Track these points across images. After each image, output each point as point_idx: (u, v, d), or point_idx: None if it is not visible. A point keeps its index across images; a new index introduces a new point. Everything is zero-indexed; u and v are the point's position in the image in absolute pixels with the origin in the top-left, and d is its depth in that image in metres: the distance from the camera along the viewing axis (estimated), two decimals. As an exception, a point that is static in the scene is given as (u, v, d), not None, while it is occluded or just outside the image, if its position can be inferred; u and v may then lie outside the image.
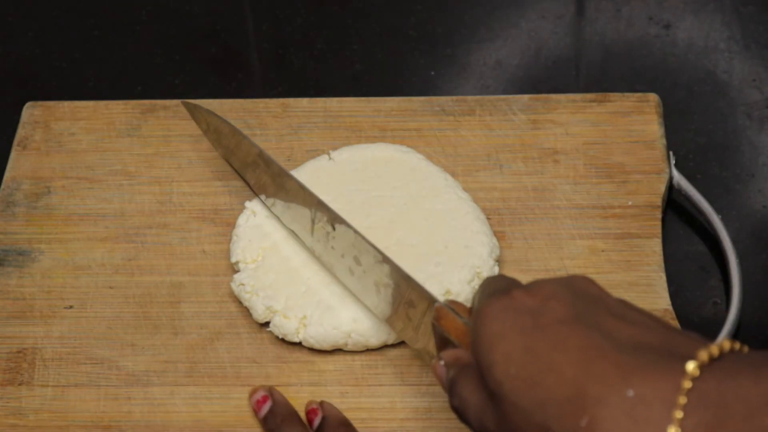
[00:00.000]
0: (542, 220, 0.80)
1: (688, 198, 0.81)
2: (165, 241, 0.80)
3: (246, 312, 0.76)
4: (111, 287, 0.78)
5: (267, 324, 0.75)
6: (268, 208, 0.79)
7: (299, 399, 0.72)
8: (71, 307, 0.77)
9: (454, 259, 0.75)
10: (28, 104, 0.88)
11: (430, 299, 0.67)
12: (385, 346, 0.74)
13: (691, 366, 0.51)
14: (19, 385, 0.74)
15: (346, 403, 0.72)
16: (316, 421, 0.71)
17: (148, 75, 0.93)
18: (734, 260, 0.77)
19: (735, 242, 0.78)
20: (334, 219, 0.74)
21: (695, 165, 0.85)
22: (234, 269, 0.78)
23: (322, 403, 0.72)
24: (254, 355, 0.75)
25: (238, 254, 0.77)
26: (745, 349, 0.54)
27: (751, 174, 0.84)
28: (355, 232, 0.72)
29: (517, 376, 0.55)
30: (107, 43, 0.96)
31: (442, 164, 0.82)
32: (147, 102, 0.88)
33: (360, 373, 0.73)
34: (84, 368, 0.74)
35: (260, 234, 0.78)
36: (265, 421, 0.71)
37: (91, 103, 0.88)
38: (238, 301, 0.77)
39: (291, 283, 0.76)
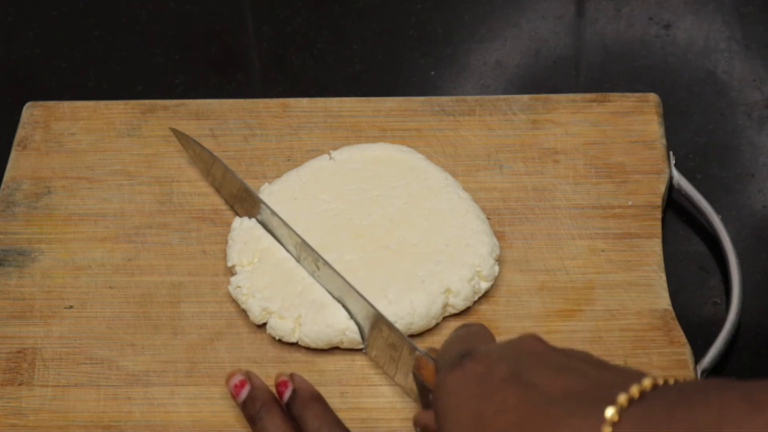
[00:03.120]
0: (542, 220, 0.80)
1: (688, 198, 0.81)
2: (165, 241, 0.80)
3: (245, 312, 0.76)
4: (111, 287, 0.78)
5: (265, 325, 0.75)
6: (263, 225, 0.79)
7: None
8: (71, 307, 0.77)
9: (455, 258, 0.75)
10: (28, 104, 0.88)
11: (411, 348, 0.69)
12: (385, 346, 0.74)
13: (610, 412, 0.53)
14: (19, 385, 0.74)
15: (346, 403, 0.72)
16: (287, 395, 0.70)
17: (148, 75, 0.93)
18: (734, 260, 0.77)
19: (735, 242, 0.78)
20: (317, 260, 0.75)
21: (695, 165, 0.85)
22: (231, 272, 0.78)
23: (292, 375, 0.71)
24: (254, 355, 0.75)
25: (233, 258, 0.77)
26: (671, 380, 0.55)
27: (751, 174, 0.84)
28: (339, 275, 0.73)
29: None
30: (107, 43, 0.96)
31: (442, 164, 0.82)
32: (147, 102, 0.88)
33: (360, 373, 0.73)
34: (84, 368, 0.74)
35: (255, 236, 0.78)
36: (244, 406, 0.70)
37: (91, 103, 0.88)
38: (238, 301, 0.77)
39: (287, 284, 0.76)
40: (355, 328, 0.73)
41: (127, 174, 0.84)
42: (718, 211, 0.80)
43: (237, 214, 0.81)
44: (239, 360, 0.74)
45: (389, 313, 0.73)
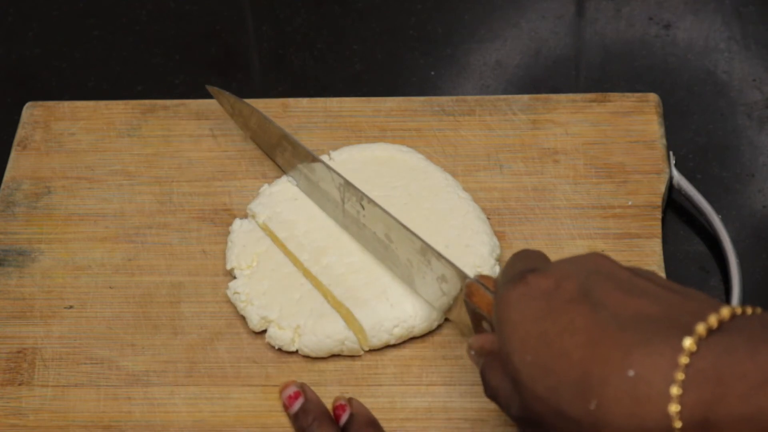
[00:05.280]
0: (542, 220, 0.80)
1: (688, 198, 0.81)
2: (165, 241, 0.80)
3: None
4: (111, 287, 0.78)
5: (264, 331, 0.75)
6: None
7: (299, 399, 0.72)
8: (71, 307, 0.77)
9: (455, 259, 0.75)
10: (28, 104, 0.88)
11: (461, 275, 0.68)
12: (386, 347, 0.74)
13: (687, 342, 0.52)
14: (19, 385, 0.74)
15: (346, 403, 0.72)
16: (344, 418, 0.70)
17: (148, 75, 0.93)
18: (734, 260, 0.77)
19: (735, 242, 0.78)
20: (362, 198, 0.74)
21: (695, 165, 0.85)
22: (231, 275, 0.78)
23: (350, 400, 0.71)
24: (254, 355, 0.75)
25: (232, 261, 0.77)
26: (749, 311, 0.54)
27: (751, 174, 0.84)
28: (384, 211, 0.73)
29: (532, 363, 0.56)
30: (107, 43, 0.96)
31: (442, 164, 0.82)
32: (147, 102, 0.88)
33: (360, 373, 0.73)
34: (84, 368, 0.74)
35: (254, 239, 0.78)
36: (295, 418, 0.71)
37: (91, 103, 0.88)
38: (238, 301, 0.77)
39: (285, 291, 0.75)
40: (354, 338, 0.73)
41: (127, 174, 0.84)
42: (718, 211, 0.80)
43: (278, 165, 0.82)
44: (239, 360, 0.74)
45: (391, 317, 0.73)
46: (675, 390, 0.52)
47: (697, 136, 0.87)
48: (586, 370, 0.54)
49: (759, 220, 0.82)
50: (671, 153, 0.82)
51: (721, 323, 0.53)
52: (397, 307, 0.74)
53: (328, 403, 0.71)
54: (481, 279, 0.67)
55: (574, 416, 0.55)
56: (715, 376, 0.51)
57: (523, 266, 0.61)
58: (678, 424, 0.52)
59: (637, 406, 0.52)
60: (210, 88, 0.84)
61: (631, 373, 0.53)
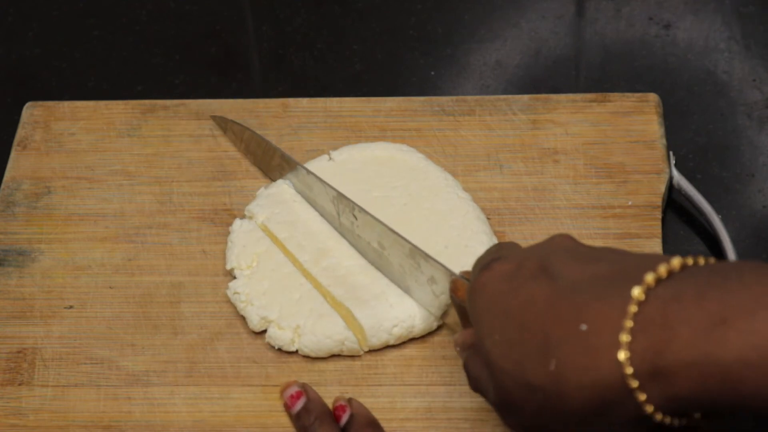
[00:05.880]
0: (542, 220, 0.80)
1: (688, 198, 0.81)
2: (165, 241, 0.80)
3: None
4: (111, 287, 0.78)
5: (263, 331, 0.75)
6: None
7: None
8: (71, 307, 0.77)
9: (455, 259, 0.75)
10: (28, 104, 0.88)
11: (447, 273, 0.69)
12: (386, 347, 0.74)
13: (636, 291, 0.52)
14: (19, 385, 0.74)
15: (346, 403, 0.72)
16: (344, 418, 0.70)
17: (148, 75, 0.93)
18: (734, 260, 0.77)
19: (735, 242, 0.78)
20: (354, 209, 0.75)
21: (695, 165, 0.85)
22: (231, 275, 0.78)
23: (350, 400, 0.71)
24: (254, 355, 0.75)
25: (232, 261, 0.77)
26: (701, 260, 0.54)
27: (751, 174, 0.84)
28: (374, 218, 0.73)
29: (500, 341, 0.58)
30: (107, 43, 0.96)
31: (442, 164, 0.82)
32: (147, 102, 0.88)
33: (360, 373, 0.73)
34: (84, 368, 0.74)
35: (254, 239, 0.78)
36: (297, 418, 0.71)
37: (91, 103, 0.88)
38: (238, 301, 0.77)
39: (285, 291, 0.75)
40: (353, 338, 0.73)
41: (127, 174, 0.84)
42: (718, 211, 0.80)
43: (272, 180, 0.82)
44: (239, 360, 0.74)
45: (391, 317, 0.73)
46: (624, 337, 0.52)
47: (697, 136, 0.87)
48: (546, 335, 0.55)
49: (759, 220, 0.82)
50: (671, 153, 0.82)
51: (671, 273, 0.53)
52: (396, 307, 0.74)
53: (328, 404, 0.71)
54: (466, 275, 0.68)
55: (538, 383, 0.55)
56: (662, 322, 0.52)
57: (491, 257, 0.63)
58: (629, 371, 0.52)
59: (590, 358, 0.53)
60: (214, 118, 0.84)
61: (583, 327, 0.53)
